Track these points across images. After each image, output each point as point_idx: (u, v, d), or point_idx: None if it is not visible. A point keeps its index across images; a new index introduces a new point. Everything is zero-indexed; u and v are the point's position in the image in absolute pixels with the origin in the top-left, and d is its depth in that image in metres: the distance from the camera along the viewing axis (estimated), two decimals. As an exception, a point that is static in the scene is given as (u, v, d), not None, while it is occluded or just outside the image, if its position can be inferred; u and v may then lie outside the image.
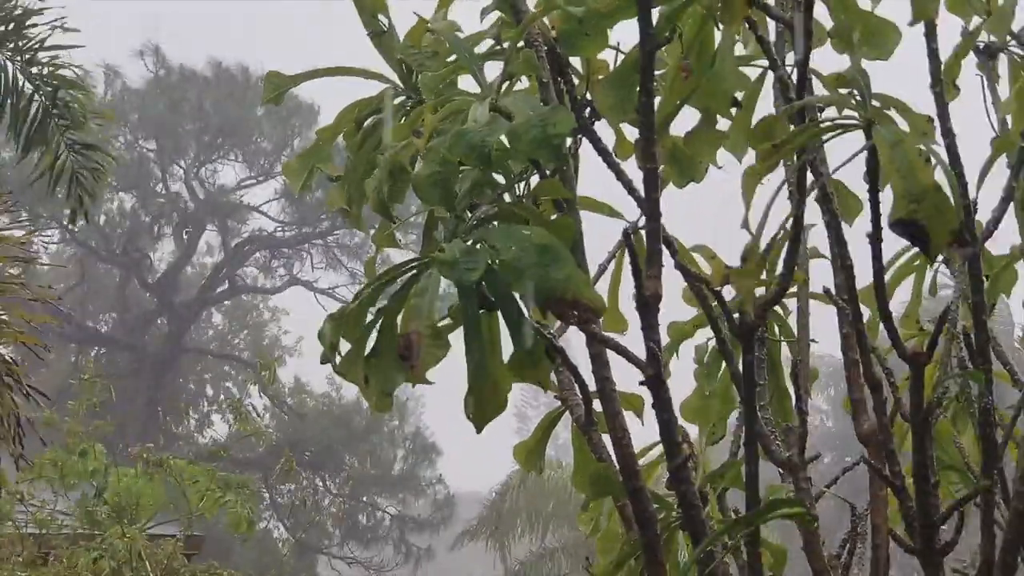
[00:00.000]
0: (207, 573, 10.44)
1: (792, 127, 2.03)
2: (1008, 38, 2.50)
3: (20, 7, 9.18)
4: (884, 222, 1.86)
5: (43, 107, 9.19)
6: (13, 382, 6.70)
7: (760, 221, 1.86)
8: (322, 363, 1.95)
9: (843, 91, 1.92)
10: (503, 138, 1.88)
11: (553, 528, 24.50)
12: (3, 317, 6.99)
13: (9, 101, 9.17)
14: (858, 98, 1.85)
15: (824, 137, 1.94)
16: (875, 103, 1.87)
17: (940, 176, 1.76)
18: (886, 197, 1.89)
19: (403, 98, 2.29)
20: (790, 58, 2.23)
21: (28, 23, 9.18)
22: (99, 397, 10.77)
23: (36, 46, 9.23)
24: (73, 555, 9.17)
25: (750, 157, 2.28)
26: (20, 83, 9.19)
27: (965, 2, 2.32)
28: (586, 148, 2.25)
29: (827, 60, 2.10)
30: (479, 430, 1.92)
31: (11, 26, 9.17)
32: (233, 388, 35.02)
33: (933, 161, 1.75)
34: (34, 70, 9.28)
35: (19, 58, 9.25)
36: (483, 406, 1.91)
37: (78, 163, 9.29)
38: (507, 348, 1.92)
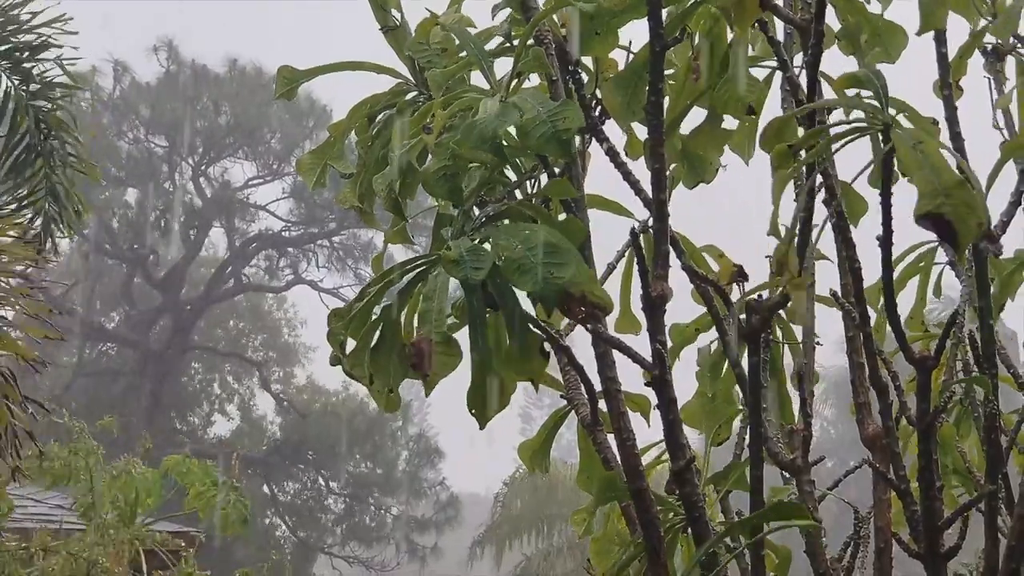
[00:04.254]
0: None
1: (800, 129, 2.03)
2: (1012, 40, 2.49)
3: (35, 27, 9.12)
4: (894, 224, 1.86)
5: (35, 143, 9.14)
6: (9, 393, 6.65)
7: (792, 224, 1.87)
8: (332, 364, 1.95)
9: (851, 92, 1.92)
10: (513, 133, 1.88)
11: (557, 529, 24.49)
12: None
13: (8, 128, 9.12)
14: (871, 100, 1.85)
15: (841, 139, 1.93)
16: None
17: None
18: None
19: (415, 94, 2.29)
20: (797, 59, 2.23)
21: (39, 56, 9.13)
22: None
23: (45, 80, 9.18)
24: (66, 550, 9.16)
25: (755, 159, 2.29)
26: (20, 115, 9.15)
27: (969, 3, 2.32)
28: (595, 148, 2.25)
29: (832, 61, 2.11)
30: (482, 426, 1.92)
31: (25, 54, 9.12)
32: (236, 386, 35.05)
33: (952, 160, 1.76)
34: (39, 103, 9.24)
35: (25, 89, 9.21)
36: (485, 402, 1.91)
37: (52, 208, 9.24)
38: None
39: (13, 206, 9.18)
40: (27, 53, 9.11)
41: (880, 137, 1.85)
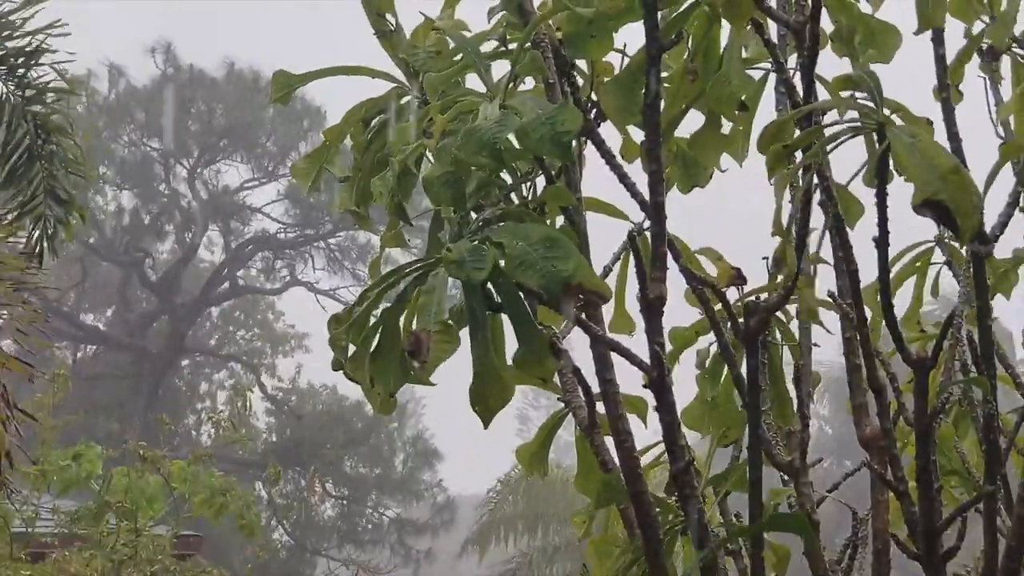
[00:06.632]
0: (195, 572, 10.42)
1: (797, 131, 2.03)
2: (1009, 40, 2.50)
3: (29, 34, 9.12)
4: (890, 225, 1.87)
5: (33, 149, 9.13)
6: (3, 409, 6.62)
7: (788, 223, 1.87)
8: (334, 369, 1.94)
9: (846, 93, 1.92)
10: (512, 137, 1.88)
11: (552, 529, 24.50)
12: None
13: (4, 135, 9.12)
14: (866, 101, 1.85)
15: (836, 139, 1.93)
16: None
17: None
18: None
19: (410, 98, 2.29)
20: (791, 61, 2.23)
21: (34, 63, 9.13)
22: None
23: (41, 85, 9.18)
24: (66, 556, 9.16)
25: (752, 161, 2.28)
26: (15, 122, 9.14)
27: (969, 5, 2.32)
28: (591, 150, 2.25)
29: (827, 62, 2.10)
30: (486, 424, 1.91)
31: (20, 60, 9.12)
32: (230, 388, 35.02)
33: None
34: (36, 108, 9.23)
35: (21, 94, 9.20)
36: (488, 400, 1.90)
37: (51, 213, 9.23)
38: (511, 345, 1.92)
39: (15, 212, 9.18)
40: (22, 59, 9.11)
41: (875, 136, 1.85)
